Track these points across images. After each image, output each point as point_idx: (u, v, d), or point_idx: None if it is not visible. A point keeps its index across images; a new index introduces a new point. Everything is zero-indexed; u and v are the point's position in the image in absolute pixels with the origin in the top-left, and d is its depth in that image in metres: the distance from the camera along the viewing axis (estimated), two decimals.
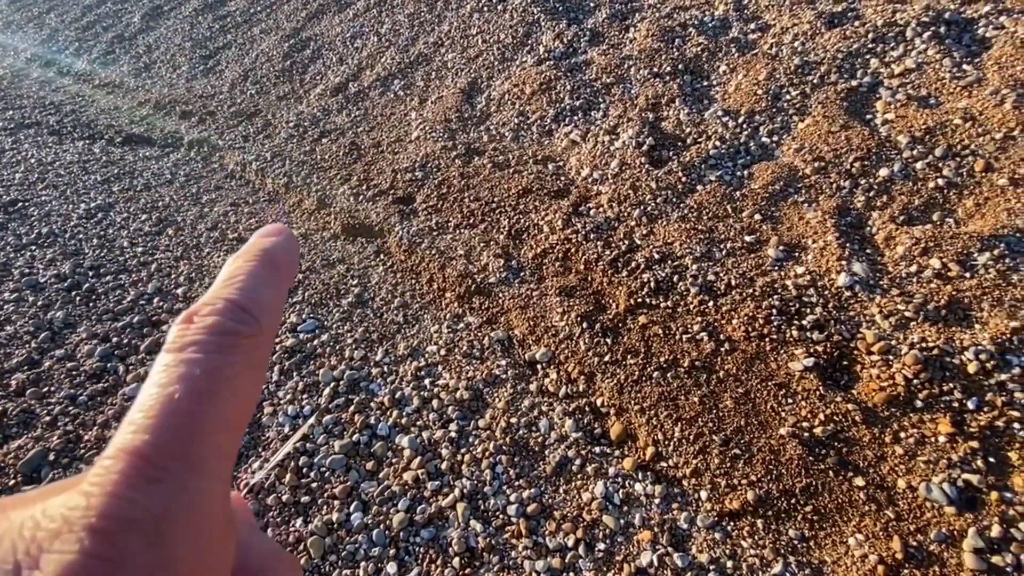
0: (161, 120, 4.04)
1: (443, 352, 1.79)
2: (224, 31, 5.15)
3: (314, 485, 1.42)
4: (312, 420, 1.57)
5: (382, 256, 2.27)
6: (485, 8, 3.64)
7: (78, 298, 2.20)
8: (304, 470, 1.46)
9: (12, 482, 1.50)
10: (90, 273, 2.36)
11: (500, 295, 1.92)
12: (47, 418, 1.68)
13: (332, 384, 1.69)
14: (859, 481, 1.24)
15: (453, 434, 1.51)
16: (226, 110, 3.79)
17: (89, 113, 4.39)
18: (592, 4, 3.33)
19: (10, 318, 2.09)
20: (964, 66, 2.09)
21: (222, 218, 2.71)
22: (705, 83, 2.55)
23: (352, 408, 1.61)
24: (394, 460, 1.47)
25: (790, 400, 1.40)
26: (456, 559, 1.25)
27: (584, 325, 1.72)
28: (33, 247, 2.56)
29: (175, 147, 3.62)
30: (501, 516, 1.33)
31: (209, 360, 0.22)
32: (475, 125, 2.83)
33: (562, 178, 2.35)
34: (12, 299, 2.19)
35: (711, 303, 1.66)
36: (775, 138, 2.17)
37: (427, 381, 1.69)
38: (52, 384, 1.81)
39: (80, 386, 1.81)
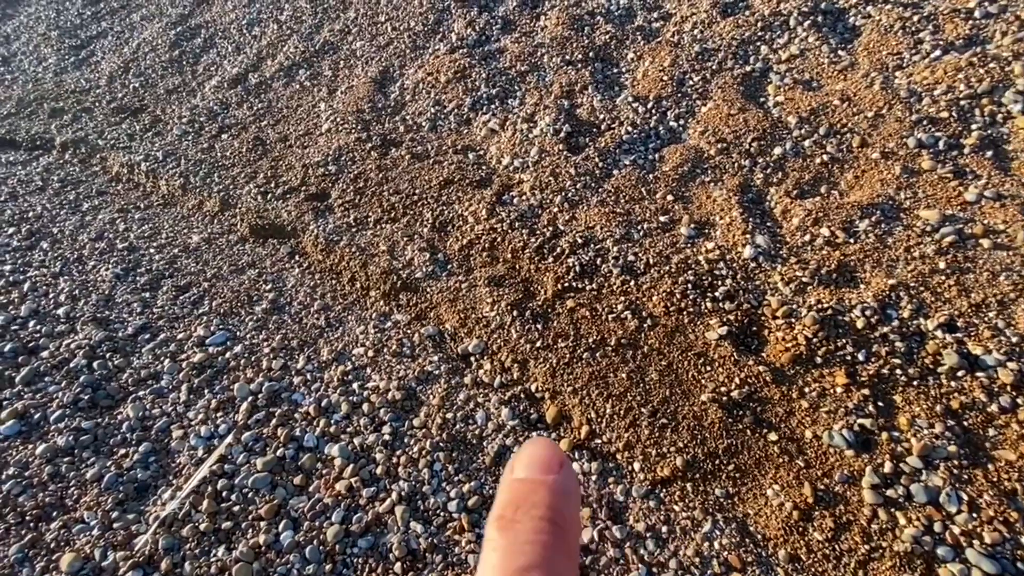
0: (26, 120, 3.54)
1: (371, 353, 1.72)
2: (97, 18, 4.60)
3: (236, 508, 1.32)
4: (229, 439, 1.45)
5: (297, 257, 2.14)
6: None
7: None
8: (223, 493, 1.35)
9: None
10: None
11: (428, 289, 1.88)
12: None
13: (249, 398, 1.57)
14: (773, 436, 1.34)
15: (387, 437, 1.46)
16: (105, 106, 3.39)
17: None
18: None
19: None
20: (839, 52, 2.29)
21: (108, 226, 2.43)
22: (615, 70, 2.62)
23: (274, 422, 1.51)
24: (324, 471, 1.39)
25: (708, 368, 1.48)
26: (397, 564, 1.21)
27: (515, 313, 1.72)
28: None
29: (45, 149, 3.19)
30: (442, 514, 1.30)
31: None
32: (390, 115, 2.74)
33: (483, 167, 2.33)
34: None
35: (632, 282, 1.72)
36: (682, 122, 2.27)
37: (355, 385, 1.61)
38: None
39: None
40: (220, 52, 3.63)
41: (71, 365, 1.73)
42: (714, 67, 2.42)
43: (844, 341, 1.43)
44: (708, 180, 2.01)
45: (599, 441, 1.40)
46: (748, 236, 1.75)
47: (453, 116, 2.63)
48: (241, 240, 2.27)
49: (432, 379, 1.62)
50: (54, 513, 1.36)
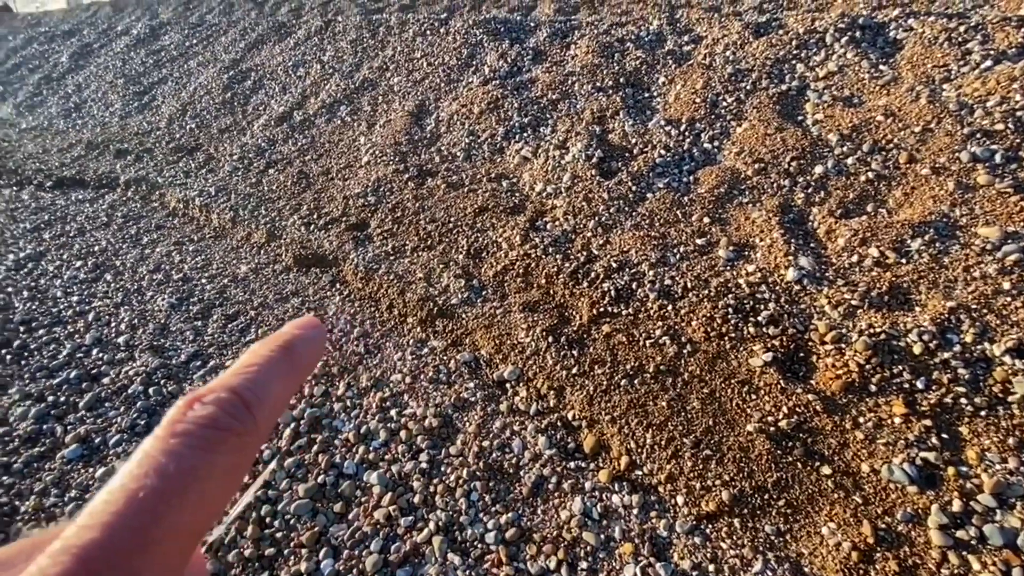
0: (94, 161, 3.85)
1: (408, 380, 1.74)
2: (159, 65, 4.98)
3: (279, 535, 1.34)
4: (273, 465, 1.49)
5: (338, 285, 2.21)
6: (428, 32, 3.67)
7: (8, 356, 2.03)
8: (267, 519, 1.38)
9: None
10: (21, 328, 2.19)
11: (463, 316, 1.89)
12: None
13: (292, 424, 1.62)
14: (826, 470, 1.26)
15: (424, 465, 1.46)
16: (164, 146, 3.64)
17: (16, 158, 4.13)
18: (532, 24, 3.41)
19: None
20: (881, 67, 2.23)
21: (165, 259, 2.58)
22: (646, 94, 2.63)
23: (315, 448, 1.54)
24: (363, 499, 1.40)
25: (754, 396, 1.42)
26: None
27: (550, 339, 1.71)
28: None
29: (111, 188, 3.45)
30: (480, 545, 1.28)
31: (189, 456, 0.22)
32: (426, 147, 2.82)
33: (517, 194, 2.36)
34: None
35: (670, 307, 1.69)
36: (716, 143, 2.25)
37: (393, 412, 1.63)
38: None
39: (14, 452, 1.66)
40: (268, 92, 3.86)
41: (129, 391, 1.82)
42: (748, 87, 2.40)
43: (900, 368, 1.36)
44: (746, 201, 1.97)
45: (640, 473, 1.36)
46: (791, 258, 1.70)
47: (487, 145, 2.69)
48: (286, 270, 2.37)
49: (468, 406, 1.62)
50: None
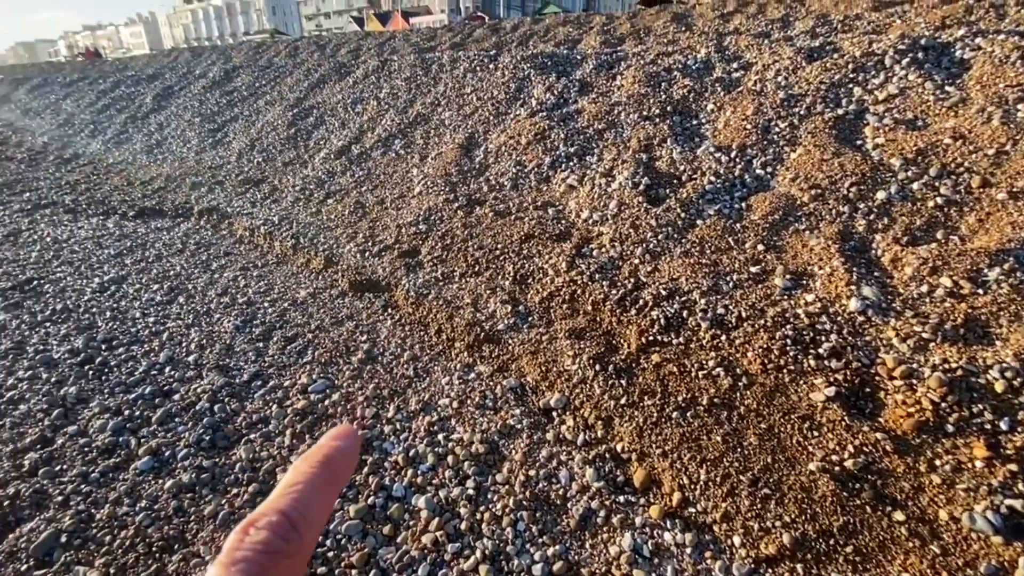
0: (172, 192, 4.19)
1: (456, 404, 1.76)
2: (231, 105, 5.41)
3: (330, 555, 1.37)
4: None
5: (390, 310, 2.29)
6: (478, 68, 3.82)
7: (91, 372, 2.21)
8: (319, 539, 1.41)
9: (24, 567, 1.46)
10: (103, 346, 2.38)
11: (510, 342, 1.91)
12: (59, 498, 1.66)
13: None
14: (899, 515, 1.18)
15: (471, 491, 1.47)
16: (234, 179, 3.92)
17: (104, 190, 4.56)
18: (579, 56, 3.49)
19: (24, 396, 2.09)
20: (947, 88, 2.14)
21: (231, 283, 2.76)
22: (695, 122, 2.62)
23: (366, 469, 1.57)
24: (411, 523, 1.42)
25: (816, 433, 1.35)
26: None
27: (597, 367, 1.70)
28: (48, 324, 2.60)
29: (186, 217, 3.73)
30: None
31: None
32: (475, 177, 2.91)
33: (563, 222, 2.39)
34: (26, 377, 2.20)
35: (723, 337, 1.64)
36: (769, 169, 2.21)
37: (441, 436, 1.65)
38: (65, 462, 1.79)
39: (92, 463, 1.79)
40: (328, 128, 4.11)
41: (196, 408, 1.94)
42: (802, 112, 2.35)
43: (981, 407, 1.26)
44: (803, 228, 1.91)
45: (693, 510, 1.31)
46: (853, 287, 1.62)
47: (533, 175, 2.75)
48: (341, 294, 2.47)
49: (514, 433, 1.62)
50: (175, 546, 1.50)
